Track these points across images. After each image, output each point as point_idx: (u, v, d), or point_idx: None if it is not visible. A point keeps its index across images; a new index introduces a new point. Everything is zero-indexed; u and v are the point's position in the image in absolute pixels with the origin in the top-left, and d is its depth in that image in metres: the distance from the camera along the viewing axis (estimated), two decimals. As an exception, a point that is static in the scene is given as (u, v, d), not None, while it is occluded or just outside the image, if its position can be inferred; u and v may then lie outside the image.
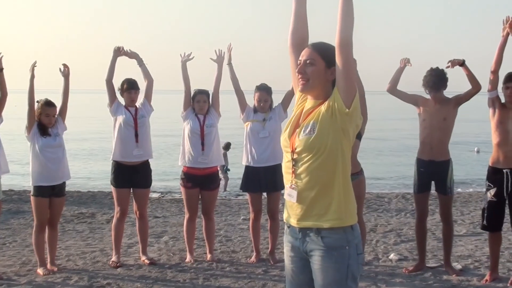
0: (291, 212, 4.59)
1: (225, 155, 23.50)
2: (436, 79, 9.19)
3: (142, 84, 10.06)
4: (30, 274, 9.42)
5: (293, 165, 4.52)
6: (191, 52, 10.20)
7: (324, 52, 4.51)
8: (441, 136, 9.18)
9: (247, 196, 10.54)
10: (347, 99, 4.40)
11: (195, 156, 9.78)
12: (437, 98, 9.23)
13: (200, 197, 10.07)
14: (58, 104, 9.60)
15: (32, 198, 9.53)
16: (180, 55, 10.21)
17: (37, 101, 9.45)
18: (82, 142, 41.28)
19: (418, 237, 9.55)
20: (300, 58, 4.55)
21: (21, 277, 9.27)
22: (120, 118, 9.73)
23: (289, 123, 4.67)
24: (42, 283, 8.94)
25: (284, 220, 4.70)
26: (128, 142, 9.69)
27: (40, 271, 9.43)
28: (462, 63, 9.16)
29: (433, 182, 9.33)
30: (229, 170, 23.56)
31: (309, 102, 4.61)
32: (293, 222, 4.57)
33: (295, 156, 4.50)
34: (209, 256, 10.07)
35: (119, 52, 9.86)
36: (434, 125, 9.16)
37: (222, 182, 23.13)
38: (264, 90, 10.02)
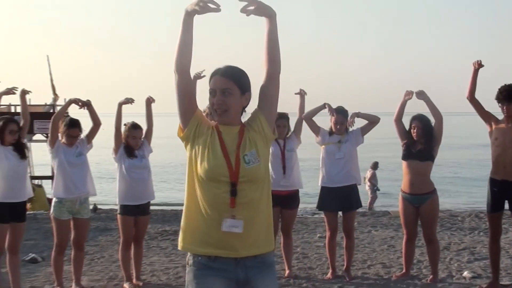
0: (228, 243, 4.29)
1: (374, 174, 23.49)
2: (510, 91, 8.99)
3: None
4: (117, 289, 9.53)
5: (232, 196, 4.28)
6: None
7: (237, 79, 4.40)
8: (515, 154, 8.99)
9: (323, 214, 10.53)
10: (271, 126, 4.53)
11: (277, 180, 9.62)
12: (510, 113, 9.02)
13: (280, 215, 10.01)
14: (144, 128, 9.73)
15: (118, 216, 9.66)
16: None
17: (124, 124, 9.59)
18: (167, 164, 41.68)
19: (492, 255, 9.38)
20: (211, 87, 4.39)
21: (109, 292, 9.40)
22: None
23: (210, 152, 4.35)
24: (128, 297, 9.05)
25: (205, 253, 4.32)
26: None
27: (126, 285, 9.54)
28: None
29: (507, 201, 9.17)
30: (379, 190, 23.54)
31: (224, 128, 4.44)
32: (227, 253, 4.30)
33: (238, 185, 4.29)
34: (287, 272, 10.04)
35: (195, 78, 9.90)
36: (507, 144, 8.98)
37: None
38: (340, 113, 10.01)
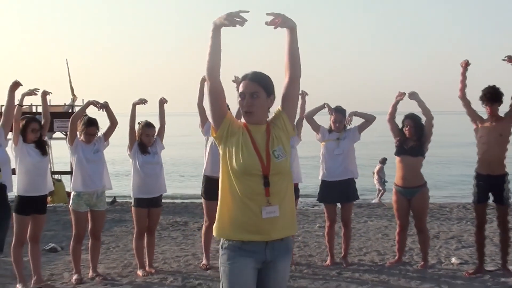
0: (263, 228, 4.49)
1: (382, 168, 23.60)
2: (493, 93, 9.04)
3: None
4: (131, 275, 9.54)
5: (266, 187, 4.48)
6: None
7: (263, 83, 4.61)
8: (498, 151, 9.02)
9: (322, 206, 10.56)
10: (292, 123, 4.79)
11: None
12: (494, 113, 9.08)
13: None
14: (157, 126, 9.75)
15: (132, 208, 9.68)
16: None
17: (138, 123, 9.60)
18: (178, 160, 41.74)
19: (478, 243, 9.40)
20: (241, 90, 4.60)
21: (123, 278, 9.41)
22: (212, 138, 9.75)
23: (244, 149, 4.55)
24: (142, 283, 9.05)
25: (240, 239, 4.52)
26: (219, 159, 9.68)
27: (139, 272, 9.55)
28: None
29: (491, 194, 9.19)
30: (386, 181, 23.59)
31: (253, 127, 4.65)
32: (261, 237, 4.51)
33: (270, 177, 4.49)
34: (289, 259, 10.04)
35: (203, 81, 9.83)
36: (491, 141, 9.02)
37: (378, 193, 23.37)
38: (339, 112, 10.03)
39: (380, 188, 23.58)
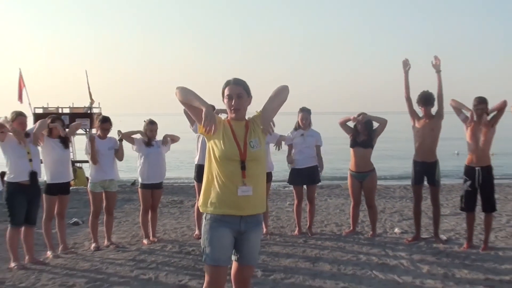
0: (238, 205, 4.54)
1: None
2: (426, 97, 9.12)
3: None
4: (138, 244, 9.55)
5: (243, 170, 4.52)
6: None
7: (244, 86, 4.70)
8: (430, 143, 9.10)
9: (292, 187, 10.58)
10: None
11: None
12: (427, 113, 9.16)
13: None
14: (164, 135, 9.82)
15: (139, 190, 9.72)
16: None
17: (144, 120, 9.67)
18: (175, 150, 41.56)
19: (415, 216, 9.48)
20: (228, 93, 4.65)
21: (132, 246, 9.41)
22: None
23: (226, 140, 4.60)
24: (146, 249, 9.05)
25: (220, 213, 4.56)
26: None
27: (145, 241, 9.57)
28: (438, 71, 9.05)
29: (425, 177, 9.27)
30: None
31: (234, 122, 4.72)
32: (236, 212, 4.55)
33: (246, 163, 4.54)
34: (264, 230, 10.04)
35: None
36: (425, 135, 9.10)
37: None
38: (305, 112, 10.04)
39: None
